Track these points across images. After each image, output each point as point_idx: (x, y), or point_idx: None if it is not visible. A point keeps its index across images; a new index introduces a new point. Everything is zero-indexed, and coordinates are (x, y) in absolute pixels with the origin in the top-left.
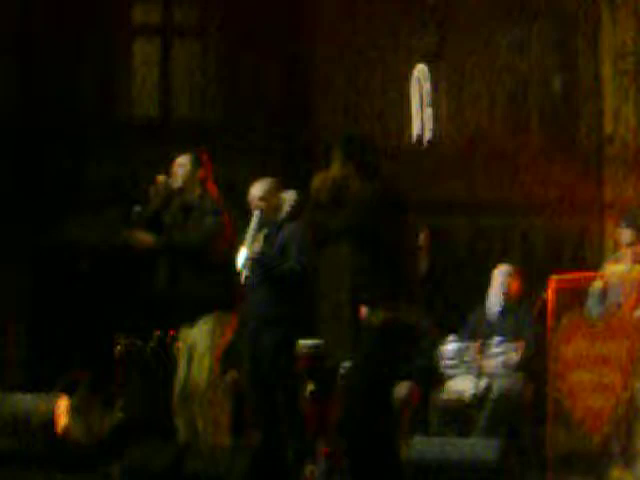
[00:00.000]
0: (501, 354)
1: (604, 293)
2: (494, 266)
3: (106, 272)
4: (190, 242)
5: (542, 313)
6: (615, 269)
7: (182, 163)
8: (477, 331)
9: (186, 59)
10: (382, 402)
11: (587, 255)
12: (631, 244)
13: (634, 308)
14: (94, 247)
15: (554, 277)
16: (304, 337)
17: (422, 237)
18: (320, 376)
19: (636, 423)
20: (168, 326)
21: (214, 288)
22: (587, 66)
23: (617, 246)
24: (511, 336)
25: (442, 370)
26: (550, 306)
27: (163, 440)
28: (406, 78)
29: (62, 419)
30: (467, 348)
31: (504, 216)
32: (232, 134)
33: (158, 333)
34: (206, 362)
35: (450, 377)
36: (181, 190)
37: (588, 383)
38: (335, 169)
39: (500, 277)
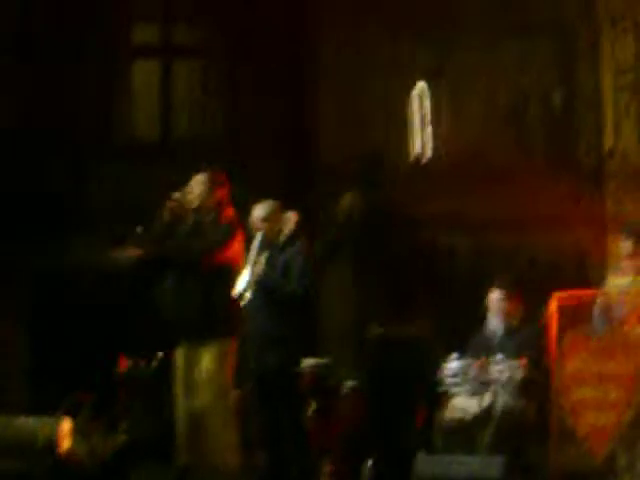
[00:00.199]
0: (504, 371)
1: (609, 308)
2: (494, 284)
3: (108, 292)
4: (190, 250)
5: (545, 330)
6: (617, 282)
7: (199, 182)
8: (480, 350)
9: (186, 79)
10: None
11: (589, 271)
12: (632, 255)
13: (636, 324)
14: (95, 267)
15: (556, 294)
16: (307, 356)
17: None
18: (323, 394)
19: None
20: (170, 346)
21: (217, 309)
22: (587, 81)
23: (618, 258)
24: (514, 355)
25: (446, 388)
26: (552, 323)
27: (166, 462)
28: (407, 96)
29: (65, 441)
30: (470, 366)
31: (505, 233)
32: (233, 154)
33: (161, 354)
34: (214, 387)
35: (453, 395)
36: (196, 209)
37: (591, 400)
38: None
39: (494, 303)
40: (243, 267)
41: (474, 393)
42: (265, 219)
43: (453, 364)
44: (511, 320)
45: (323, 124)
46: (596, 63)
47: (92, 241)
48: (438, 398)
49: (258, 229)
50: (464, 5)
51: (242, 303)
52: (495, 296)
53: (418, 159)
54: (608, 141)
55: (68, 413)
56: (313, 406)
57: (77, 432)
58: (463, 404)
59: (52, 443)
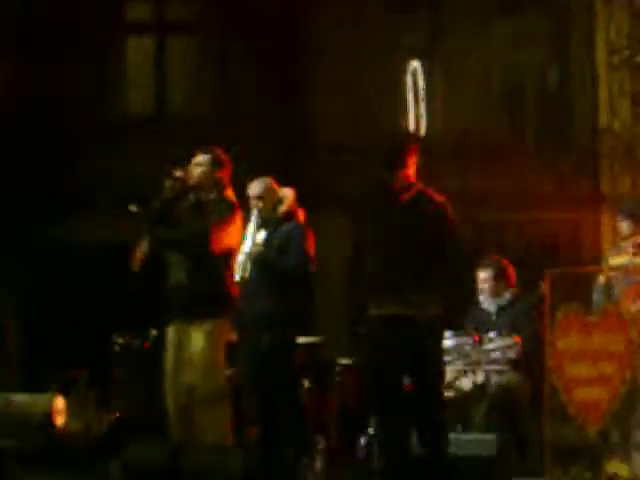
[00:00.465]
0: (499, 347)
1: (609, 286)
2: (482, 263)
3: (101, 270)
4: (201, 232)
5: (539, 307)
6: (616, 261)
7: (200, 162)
8: (475, 327)
9: (180, 56)
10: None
11: (583, 248)
12: (630, 235)
13: (632, 302)
14: (89, 245)
15: (549, 272)
16: (303, 334)
17: None
18: (318, 372)
19: (634, 416)
20: (163, 324)
21: (210, 288)
22: (581, 60)
23: (616, 238)
24: (508, 332)
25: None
26: (546, 300)
27: (160, 438)
28: (400, 75)
29: (59, 418)
30: (464, 343)
31: (499, 211)
32: (227, 130)
33: (154, 332)
34: (204, 366)
35: (448, 372)
36: (197, 188)
37: (585, 376)
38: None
39: (483, 282)
40: (240, 246)
41: (468, 370)
42: (260, 196)
43: (448, 342)
44: (501, 298)
45: (318, 99)
46: (590, 42)
47: (87, 217)
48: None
49: (254, 206)
50: None
51: (239, 281)
52: (483, 275)
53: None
54: (602, 120)
55: (62, 390)
56: (307, 383)
57: (71, 409)
58: (457, 381)
59: (46, 420)
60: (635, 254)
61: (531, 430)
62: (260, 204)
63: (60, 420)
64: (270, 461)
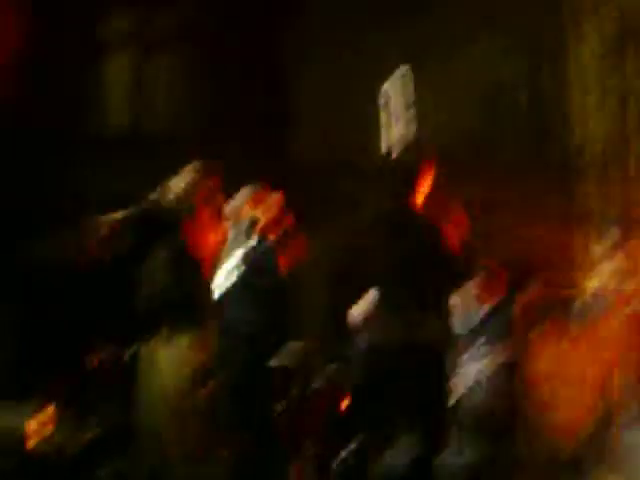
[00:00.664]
0: (475, 365)
1: (586, 308)
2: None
3: (79, 283)
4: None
5: (514, 326)
6: (594, 283)
7: (185, 177)
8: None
9: (159, 71)
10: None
11: (556, 267)
12: (606, 257)
13: (610, 321)
14: (68, 259)
15: (524, 292)
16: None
17: None
18: (302, 381)
19: (608, 437)
20: (139, 337)
21: (184, 299)
22: (554, 78)
23: (593, 259)
24: (485, 347)
25: None
26: (520, 320)
27: (136, 455)
28: (376, 93)
29: (35, 435)
30: None
31: (471, 227)
32: (206, 148)
33: (134, 347)
34: (176, 379)
35: None
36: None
37: (560, 397)
38: None
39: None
40: (221, 258)
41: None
42: (242, 208)
43: None
44: (477, 313)
45: (299, 117)
46: (564, 59)
47: (64, 231)
48: None
49: (237, 218)
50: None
51: (219, 293)
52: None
53: (388, 155)
54: (576, 138)
55: (37, 407)
56: (292, 393)
57: (47, 426)
58: None
59: (22, 438)
60: (612, 275)
61: (505, 449)
62: (243, 215)
63: (35, 437)
64: (248, 474)
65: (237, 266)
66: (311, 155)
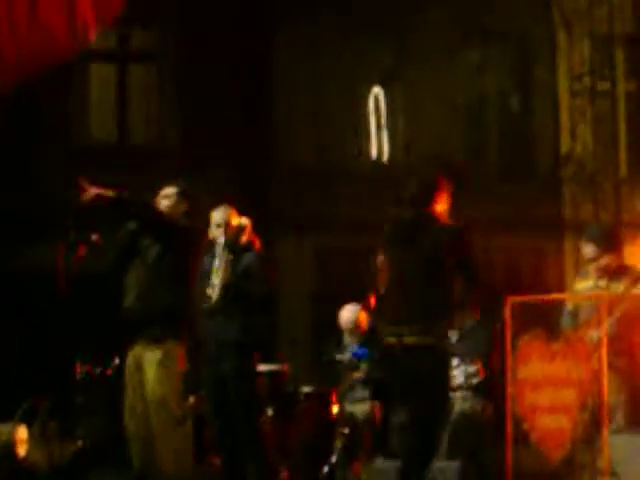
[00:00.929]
0: (460, 375)
1: (575, 313)
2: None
3: (63, 297)
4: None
5: (499, 334)
6: (582, 286)
7: (167, 195)
8: None
9: (142, 84)
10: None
11: (545, 274)
12: (594, 259)
13: (594, 327)
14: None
15: (510, 299)
16: (265, 361)
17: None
18: (280, 400)
19: (597, 442)
20: (123, 349)
21: (167, 311)
22: (544, 87)
23: (580, 262)
24: (469, 359)
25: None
26: (507, 327)
27: (122, 467)
28: (363, 101)
29: (22, 448)
30: None
31: None
32: (189, 159)
33: (117, 360)
34: (160, 392)
35: None
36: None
37: (546, 404)
38: None
39: None
40: (201, 273)
41: None
42: (220, 225)
43: None
44: (462, 325)
45: (281, 129)
46: (552, 69)
47: (47, 245)
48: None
49: (216, 234)
50: (423, 9)
51: (205, 308)
52: None
53: (375, 163)
54: (565, 146)
55: (24, 420)
56: (270, 411)
57: (33, 438)
58: None
59: (9, 450)
60: (599, 278)
61: (493, 457)
62: (221, 232)
63: (22, 450)
64: None
65: (226, 271)
66: (298, 158)
